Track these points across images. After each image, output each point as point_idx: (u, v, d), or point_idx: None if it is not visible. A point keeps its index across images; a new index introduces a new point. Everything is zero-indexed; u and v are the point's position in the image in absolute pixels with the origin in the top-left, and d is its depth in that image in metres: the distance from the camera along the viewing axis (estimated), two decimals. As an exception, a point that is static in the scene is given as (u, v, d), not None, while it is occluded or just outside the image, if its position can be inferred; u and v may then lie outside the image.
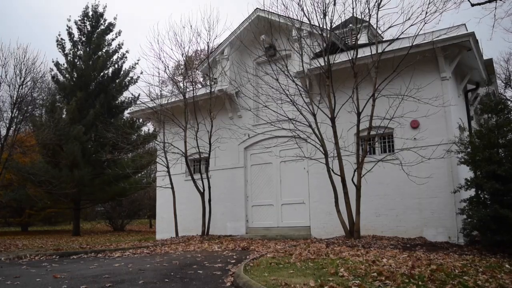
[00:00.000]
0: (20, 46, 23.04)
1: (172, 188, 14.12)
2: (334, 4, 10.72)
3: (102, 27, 23.63)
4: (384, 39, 12.39)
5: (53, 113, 19.76)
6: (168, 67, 17.69)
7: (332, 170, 10.33)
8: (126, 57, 23.84)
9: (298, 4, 13.03)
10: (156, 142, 17.29)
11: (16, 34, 68.94)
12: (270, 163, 13.41)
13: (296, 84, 11.39)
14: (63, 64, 22.76)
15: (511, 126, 8.95)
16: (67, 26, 23.05)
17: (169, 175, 14.18)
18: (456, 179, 10.10)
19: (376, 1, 10.37)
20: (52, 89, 23.64)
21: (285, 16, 12.05)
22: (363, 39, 13.22)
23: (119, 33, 24.06)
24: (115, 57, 23.53)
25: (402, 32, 10.34)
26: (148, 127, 25.26)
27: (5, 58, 16.54)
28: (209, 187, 13.45)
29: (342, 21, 12.25)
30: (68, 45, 23.20)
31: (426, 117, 10.48)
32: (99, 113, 19.40)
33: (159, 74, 31.19)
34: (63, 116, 21.10)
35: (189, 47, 17.73)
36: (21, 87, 16.68)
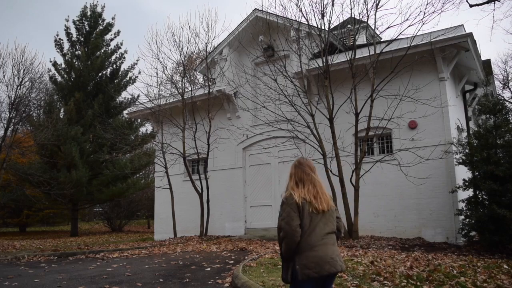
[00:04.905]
0: (18, 47, 22.98)
1: (171, 188, 14.11)
2: (332, 5, 10.77)
3: (101, 27, 23.54)
4: (382, 40, 12.42)
5: (51, 114, 19.68)
6: (166, 67, 17.70)
7: (331, 171, 10.34)
8: (124, 58, 23.76)
9: (296, 5, 13.15)
10: (154, 142, 17.29)
11: (14, 34, 68.85)
12: (269, 164, 13.41)
13: (294, 85, 11.40)
14: (61, 64, 22.66)
15: (509, 127, 8.98)
16: (65, 26, 22.97)
17: (168, 176, 14.16)
18: (454, 179, 10.11)
19: (374, 2, 10.41)
20: (50, 89, 23.56)
21: (284, 17, 12.06)
22: (361, 39, 13.22)
23: (118, 33, 24.01)
24: (113, 57, 23.46)
25: (400, 33, 10.39)
26: (146, 128, 25.24)
27: (3, 59, 16.51)
28: (208, 188, 13.43)
29: (340, 21, 12.28)
30: (66, 45, 23.12)
31: (424, 117, 10.49)
32: (97, 113, 19.35)
33: (157, 74, 31.26)
34: (61, 116, 21.03)
35: (187, 48, 17.74)
36: (19, 87, 16.64)
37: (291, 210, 2.98)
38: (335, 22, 11.49)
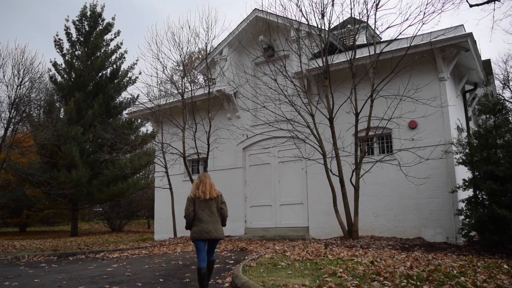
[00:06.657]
0: (18, 47, 22.94)
1: (171, 188, 14.10)
2: (332, 5, 10.75)
3: (101, 27, 23.52)
4: (382, 40, 12.42)
5: (51, 114, 19.66)
6: (166, 67, 17.70)
7: (331, 171, 10.34)
8: (124, 58, 23.74)
9: (297, 5, 13.16)
10: (154, 142, 17.29)
11: (14, 34, 68.83)
12: (269, 164, 13.40)
13: (294, 85, 11.40)
14: (61, 64, 22.65)
15: (509, 127, 8.97)
16: (65, 26, 22.95)
17: (168, 176, 14.16)
18: (454, 179, 10.11)
19: (374, 2, 10.40)
20: (50, 89, 23.54)
21: (284, 17, 12.05)
22: (361, 39, 13.22)
23: (118, 33, 23.98)
24: (113, 57, 23.43)
25: (400, 33, 10.38)
26: (147, 128, 25.24)
27: (3, 59, 16.52)
28: (208, 188, 13.39)
29: (340, 21, 12.27)
30: (66, 45, 23.10)
31: (424, 117, 10.49)
32: (97, 113, 19.36)
33: (157, 74, 31.23)
34: (61, 116, 21.02)
35: (187, 48, 17.75)
36: (19, 87, 16.66)
37: (189, 201, 5.36)
38: (335, 22, 11.49)
